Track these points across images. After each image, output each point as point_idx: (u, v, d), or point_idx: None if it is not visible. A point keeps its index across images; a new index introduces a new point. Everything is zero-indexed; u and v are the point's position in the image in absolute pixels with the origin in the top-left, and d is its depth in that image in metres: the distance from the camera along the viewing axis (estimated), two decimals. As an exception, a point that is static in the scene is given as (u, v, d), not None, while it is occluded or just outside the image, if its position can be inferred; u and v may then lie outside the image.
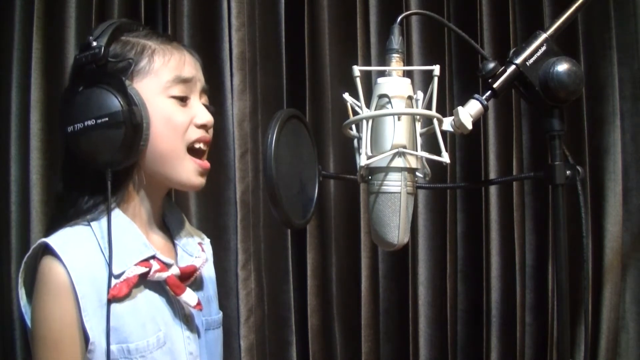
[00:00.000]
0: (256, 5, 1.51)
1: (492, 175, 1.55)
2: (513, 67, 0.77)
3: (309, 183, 0.86)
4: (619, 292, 1.60)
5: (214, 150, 1.43)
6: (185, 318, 0.90)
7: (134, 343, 0.82)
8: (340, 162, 1.53)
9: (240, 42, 1.48)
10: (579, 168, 0.78)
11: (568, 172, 0.77)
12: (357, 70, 0.74)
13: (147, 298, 0.86)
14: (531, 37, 0.79)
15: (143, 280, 0.85)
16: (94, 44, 0.82)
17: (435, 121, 0.74)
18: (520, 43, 0.80)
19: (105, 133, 0.80)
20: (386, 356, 1.57)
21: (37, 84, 1.35)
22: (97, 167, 0.82)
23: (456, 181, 1.60)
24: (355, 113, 0.78)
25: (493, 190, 1.56)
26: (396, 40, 0.75)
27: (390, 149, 0.72)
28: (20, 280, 0.84)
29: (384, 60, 0.76)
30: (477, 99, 0.77)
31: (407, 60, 1.52)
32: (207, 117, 0.90)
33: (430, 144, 0.76)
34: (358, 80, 0.74)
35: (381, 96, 0.74)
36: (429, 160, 0.75)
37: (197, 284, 0.96)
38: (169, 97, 0.86)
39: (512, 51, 0.79)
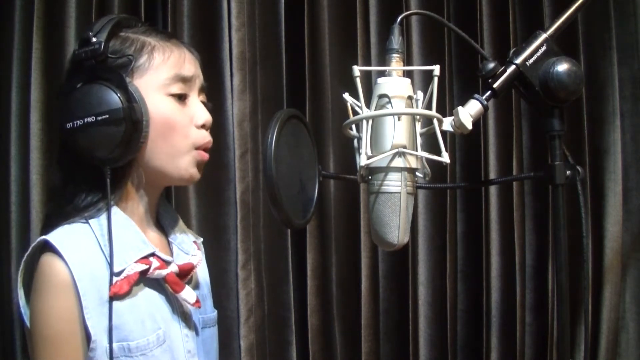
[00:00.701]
0: (256, 5, 1.51)
1: (492, 175, 1.55)
2: (513, 67, 0.77)
3: (309, 183, 0.86)
4: (619, 292, 1.60)
5: (214, 150, 1.43)
6: (184, 316, 0.90)
7: (134, 341, 0.82)
8: (340, 162, 1.53)
9: (240, 42, 1.48)
10: (579, 168, 0.78)
11: (568, 172, 0.77)
12: (357, 70, 0.74)
13: (147, 296, 0.85)
14: (531, 37, 0.79)
15: (142, 278, 0.84)
16: (94, 39, 0.81)
17: (435, 121, 0.74)
18: (520, 43, 0.80)
19: (105, 130, 0.79)
20: (386, 356, 1.57)
21: (37, 84, 1.35)
22: (96, 163, 0.81)
23: (456, 181, 1.60)
24: (355, 113, 0.78)
25: (493, 190, 1.56)
26: (396, 40, 0.75)
27: (390, 149, 0.72)
28: (20, 280, 0.83)
29: (384, 60, 0.76)
30: (477, 99, 0.77)
31: (407, 60, 1.52)
32: (206, 117, 0.89)
33: (430, 144, 0.76)
34: (358, 80, 0.74)
35: (381, 96, 0.74)
36: (429, 160, 0.75)
37: (193, 283, 0.96)
38: (168, 95, 0.86)
39: (512, 51, 0.79)
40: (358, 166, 0.74)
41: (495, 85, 0.77)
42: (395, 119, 0.72)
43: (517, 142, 1.57)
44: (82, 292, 0.78)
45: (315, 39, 1.52)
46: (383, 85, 0.74)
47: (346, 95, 0.79)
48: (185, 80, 0.88)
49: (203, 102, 0.92)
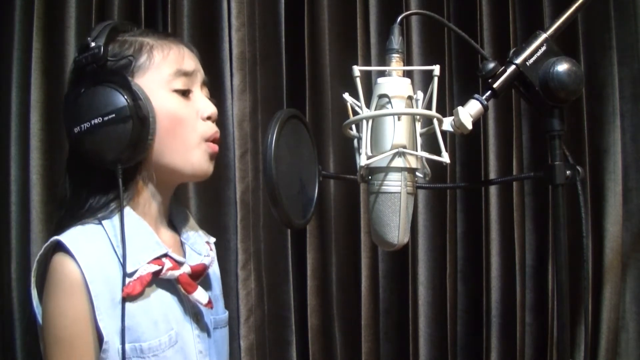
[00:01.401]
0: (256, 5, 1.51)
1: (492, 175, 1.55)
2: (513, 67, 0.77)
3: (309, 183, 0.86)
4: (619, 292, 1.60)
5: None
6: (196, 317, 0.90)
7: (146, 342, 0.81)
8: (340, 162, 1.53)
9: (240, 42, 1.48)
10: (579, 168, 0.78)
11: (568, 172, 0.77)
12: (357, 70, 0.74)
13: (159, 296, 0.85)
14: (531, 37, 0.79)
15: (155, 279, 0.84)
16: (93, 44, 0.81)
17: (435, 121, 0.74)
18: (520, 43, 0.80)
19: (113, 129, 0.79)
20: (386, 356, 1.57)
21: (37, 84, 1.35)
22: (107, 164, 0.81)
23: (456, 181, 1.60)
24: (355, 113, 0.78)
25: (493, 190, 1.56)
26: (396, 40, 0.75)
27: (390, 149, 0.72)
28: (33, 279, 0.83)
29: (384, 60, 0.76)
30: (477, 99, 0.77)
31: (407, 60, 1.52)
32: (211, 109, 0.89)
33: (430, 144, 0.76)
34: (358, 80, 0.74)
35: (381, 96, 0.74)
36: (429, 160, 0.75)
37: (205, 283, 0.96)
38: (171, 90, 0.86)
39: (512, 51, 0.79)
40: (358, 166, 0.74)
41: (495, 85, 0.77)
42: (395, 119, 0.72)
43: (517, 142, 1.57)
44: (94, 293, 0.78)
45: (315, 39, 1.52)
46: (383, 85, 0.74)
47: (346, 95, 0.79)
48: (187, 74, 0.88)
49: (207, 97, 0.92)
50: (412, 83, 0.76)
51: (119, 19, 1.37)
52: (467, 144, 1.60)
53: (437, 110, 0.74)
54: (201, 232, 1.00)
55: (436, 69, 0.74)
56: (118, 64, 0.84)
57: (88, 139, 0.80)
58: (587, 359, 1.51)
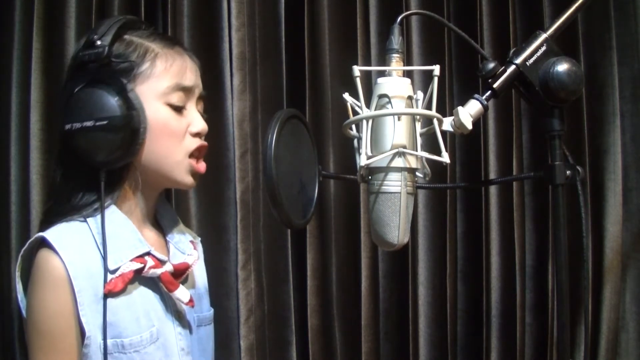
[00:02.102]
0: (256, 5, 1.51)
1: (492, 175, 1.55)
2: (513, 67, 0.77)
3: (309, 183, 0.86)
4: (619, 292, 1.60)
5: (214, 150, 1.43)
6: (178, 314, 0.91)
7: (128, 338, 0.83)
8: (340, 162, 1.53)
9: (240, 42, 1.48)
10: (579, 168, 0.78)
11: (568, 172, 0.77)
12: (357, 70, 0.74)
13: (141, 294, 0.87)
14: (531, 37, 0.79)
15: (137, 276, 0.86)
16: (98, 42, 0.82)
17: (435, 121, 0.74)
18: (520, 43, 0.80)
19: (103, 135, 0.80)
20: (386, 356, 1.57)
21: (37, 84, 1.35)
22: (93, 165, 0.83)
23: (456, 181, 1.60)
24: (355, 113, 0.78)
25: (493, 190, 1.56)
26: (396, 40, 0.75)
27: (390, 149, 0.72)
28: (18, 274, 0.84)
29: (384, 60, 0.76)
30: (477, 99, 0.77)
31: (407, 60, 1.52)
32: (201, 125, 0.91)
33: (430, 144, 0.76)
34: (358, 80, 0.74)
35: (381, 96, 0.74)
36: (429, 160, 0.75)
37: (189, 281, 0.97)
38: (166, 104, 0.87)
39: (512, 51, 0.79)
40: (358, 166, 0.74)
41: (495, 85, 0.77)
42: (395, 119, 0.72)
43: (517, 142, 1.57)
44: (77, 288, 0.80)
45: (315, 39, 1.52)
46: (383, 85, 0.74)
47: (346, 95, 0.79)
48: (185, 89, 0.89)
49: (200, 112, 0.93)
50: (412, 83, 0.76)
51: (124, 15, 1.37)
52: (467, 144, 1.60)
53: (437, 110, 0.74)
54: (186, 232, 1.01)
55: (436, 69, 0.74)
56: (120, 67, 0.84)
57: (78, 138, 0.81)
58: (587, 359, 1.51)
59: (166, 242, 0.96)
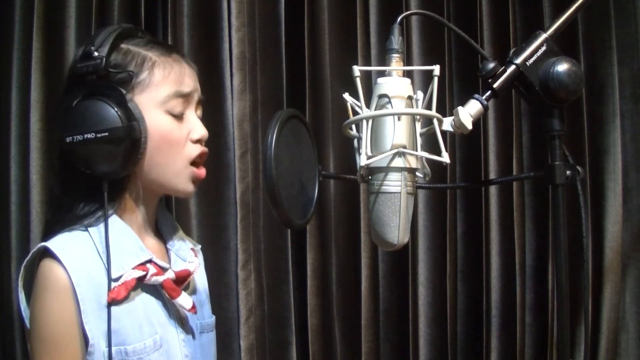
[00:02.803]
0: (256, 5, 1.51)
1: (492, 175, 1.55)
2: (513, 67, 0.77)
3: (309, 183, 0.86)
4: (619, 292, 1.60)
5: (214, 150, 1.43)
6: (180, 321, 0.91)
7: (131, 345, 0.83)
8: (340, 162, 1.53)
9: (240, 42, 1.48)
10: (579, 168, 0.78)
11: (568, 172, 0.77)
12: (357, 70, 0.74)
13: (144, 301, 0.87)
14: (531, 37, 0.79)
15: (140, 284, 0.86)
16: (96, 53, 0.82)
17: (435, 121, 0.74)
18: (520, 43, 0.80)
19: (105, 147, 0.80)
20: (386, 356, 1.57)
21: (37, 84, 1.35)
22: (94, 176, 0.83)
23: (456, 181, 1.60)
24: (355, 113, 0.78)
25: (493, 190, 1.56)
26: (396, 40, 0.75)
27: (390, 149, 0.72)
28: (20, 284, 0.84)
29: (384, 60, 0.76)
30: (477, 99, 0.77)
31: (407, 60, 1.52)
32: (202, 132, 0.91)
33: (430, 144, 0.76)
34: (358, 80, 0.74)
35: (381, 96, 0.74)
36: (429, 160, 0.75)
37: (190, 289, 0.97)
38: (166, 112, 0.87)
39: (512, 51, 0.79)
40: (358, 166, 0.74)
41: (495, 85, 0.77)
42: (395, 119, 0.72)
43: (517, 142, 1.57)
44: (80, 296, 0.80)
45: (315, 39, 1.52)
46: (383, 85, 0.74)
47: (346, 95, 0.79)
48: (184, 96, 0.89)
49: (199, 117, 0.93)
50: (412, 83, 0.76)
51: (119, 19, 1.37)
52: (467, 144, 1.60)
53: (437, 110, 0.74)
54: (187, 239, 1.01)
55: (436, 69, 0.74)
56: (118, 77, 0.84)
57: (79, 150, 0.81)
58: (587, 359, 1.51)
59: (167, 250, 0.96)
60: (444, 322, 1.55)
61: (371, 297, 1.53)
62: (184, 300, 0.89)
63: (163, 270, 0.88)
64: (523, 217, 1.58)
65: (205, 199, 1.47)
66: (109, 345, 0.79)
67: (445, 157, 0.71)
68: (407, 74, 0.76)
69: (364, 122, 0.73)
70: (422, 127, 0.76)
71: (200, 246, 1.05)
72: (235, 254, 1.47)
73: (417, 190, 0.78)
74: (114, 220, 0.86)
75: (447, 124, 0.76)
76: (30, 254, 0.83)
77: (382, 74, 0.75)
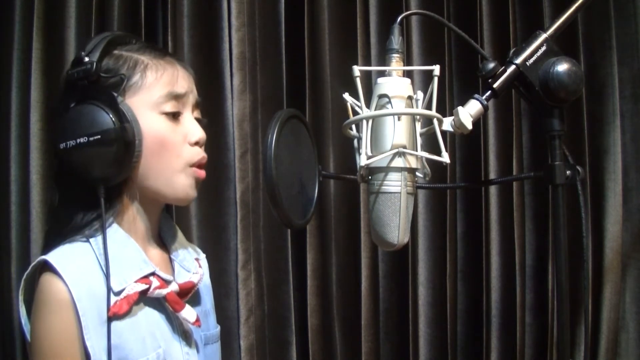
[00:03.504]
0: (256, 5, 1.51)
1: (492, 175, 1.55)
2: (513, 67, 0.77)
3: (309, 183, 0.86)
4: (619, 292, 1.60)
5: (214, 150, 1.43)
6: (184, 334, 0.90)
7: None
8: (340, 162, 1.53)
9: (240, 42, 1.48)
10: (579, 168, 0.78)
11: (568, 172, 0.77)
12: (357, 70, 0.74)
13: (147, 314, 0.85)
14: (531, 37, 0.79)
15: (142, 297, 0.84)
16: (86, 59, 0.81)
17: (435, 121, 0.74)
18: (520, 43, 0.80)
19: (98, 150, 0.80)
20: (386, 356, 1.57)
21: (37, 84, 1.35)
22: (90, 183, 0.82)
23: (456, 181, 1.60)
24: (355, 113, 0.78)
25: (493, 190, 1.56)
26: (396, 40, 0.75)
27: (390, 149, 0.72)
28: (21, 298, 0.83)
29: (384, 60, 0.76)
30: (477, 99, 0.77)
31: (407, 60, 1.52)
32: (199, 134, 0.89)
33: (430, 144, 0.76)
34: (358, 80, 0.74)
35: (381, 96, 0.74)
36: (429, 160, 0.75)
37: (195, 299, 0.96)
38: (161, 113, 0.86)
39: (512, 51, 0.79)
40: (358, 166, 0.74)
41: (495, 85, 0.77)
42: (395, 119, 0.72)
43: (517, 142, 1.57)
44: (81, 311, 0.78)
45: (315, 39, 1.52)
46: (383, 85, 0.74)
47: (346, 95, 0.79)
48: (178, 97, 0.87)
49: (197, 119, 0.92)
50: (412, 83, 0.76)
51: (119, 19, 1.37)
52: (467, 144, 1.60)
53: (437, 110, 0.74)
54: (190, 248, 1.00)
55: (436, 69, 0.74)
56: (110, 82, 0.83)
57: (73, 156, 0.81)
58: (587, 359, 1.51)
59: (170, 260, 0.94)
60: (444, 322, 1.55)
61: (371, 297, 1.53)
62: (188, 314, 0.87)
63: (166, 283, 0.87)
64: (523, 217, 1.58)
65: (205, 199, 1.47)
66: None
67: (445, 157, 0.71)
68: (407, 74, 0.76)
69: (364, 122, 0.73)
70: (422, 127, 0.76)
71: (204, 255, 1.04)
72: (235, 254, 1.47)
73: (417, 190, 0.78)
74: (115, 230, 0.85)
75: (447, 124, 0.76)
76: (30, 267, 0.82)
77: (382, 74, 0.75)
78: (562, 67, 0.75)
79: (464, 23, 1.57)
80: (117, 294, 0.81)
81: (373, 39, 1.57)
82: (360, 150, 0.73)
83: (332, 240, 1.52)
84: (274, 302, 1.51)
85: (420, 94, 0.76)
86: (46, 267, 0.80)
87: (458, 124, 0.75)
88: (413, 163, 0.73)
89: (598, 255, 1.61)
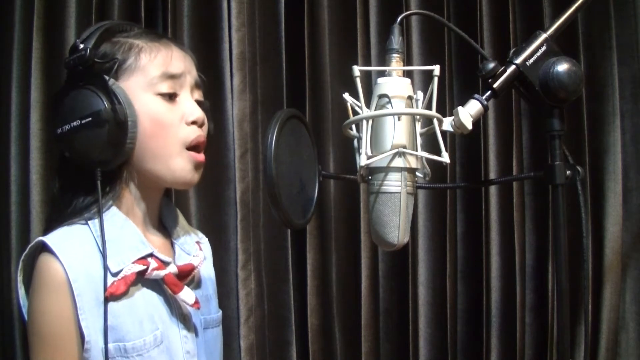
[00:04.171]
0: (256, 5, 1.51)
1: (492, 175, 1.55)
2: (513, 67, 0.77)
3: (309, 183, 0.86)
4: (619, 292, 1.60)
5: (214, 150, 1.43)
6: (183, 317, 0.90)
7: (130, 342, 0.82)
8: (340, 162, 1.53)
9: (240, 42, 1.48)
10: (579, 168, 0.78)
11: (568, 172, 0.77)
12: (357, 70, 0.74)
13: (145, 296, 0.86)
14: (531, 37, 0.79)
15: (141, 279, 0.85)
16: (81, 46, 0.82)
17: (435, 121, 0.74)
18: (520, 43, 0.80)
19: (91, 133, 0.80)
20: (386, 356, 1.57)
21: (37, 84, 1.35)
22: (87, 166, 0.83)
23: (456, 181, 1.60)
24: (355, 113, 0.78)
25: (493, 190, 1.56)
26: (396, 40, 0.75)
27: (390, 149, 0.72)
28: (20, 279, 0.84)
29: (384, 60, 0.76)
30: (477, 99, 0.77)
31: (407, 60, 1.52)
32: (197, 114, 0.88)
33: (430, 144, 0.76)
34: (358, 80, 0.74)
35: (381, 96, 0.74)
36: (429, 160, 0.75)
37: (196, 283, 0.96)
38: (156, 94, 0.86)
39: (512, 51, 0.79)
40: (358, 166, 0.74)
41: (495, 85, 0.77)
42: (395, 119, 0.72)
43: (517, 142, 1.57)
44: (77, 292, 0.79)
45: (315, 39, 1.52)
46: (383, 85, 0.74)
47: (346, 95, 0.79)
48: (173, 77, 0.87)
49: (199, 101, 0.91)
50: (412, 83, 0.76)
51: (119, 19, 1.37)
52: (467, 144, 1.60)
53: (437, 110, 0.74)
54: (192, 232, 1.00)
55: (436, 69, 0.74)
56: (104, 67, 0.84)
57: (68, 140, 0.82)
58: (587, 359, 1.51)
59: (172, 244, 0.95)
60: (444, 322, 1.55)
61: (371, 297, 1.53)
62: (187, 296, 0.88)
63: (165, 264, 0.87)
64: (523, 217, 1.58)
65: (205, 199, 1.47)
66: (105, 342, 0.79)
67: (445, 157, 0.71)
68: (407, 74, 0.76)
69: (364, 122, 0.73)
70: (422, 127, 0.76)
71: (206, 239, 1.04)
72: (235, 254, 1.47)
73: (417, 190, 0.78)
74: (114, 213, 0.86)
75: (447, 124, 0.76)
76: (27, 249, 0.83)
77: (382, 74, 0.75)
78: (562, 67, 0.75)
79: (464, 23, 1.57)
80: (115, 274, 0.82)
81: (373, 39, 1.57)
82: (360, 150, 0.73)
83: (332, 240, 1.52)
84: (274, 302, 1.51)
85: (420, 94, 0.76)
86: (44, 248, 0.81)
87: (458, 124, 0.75)
88: (413, 163, 0.73)
89: (598, 255, 1.61)
